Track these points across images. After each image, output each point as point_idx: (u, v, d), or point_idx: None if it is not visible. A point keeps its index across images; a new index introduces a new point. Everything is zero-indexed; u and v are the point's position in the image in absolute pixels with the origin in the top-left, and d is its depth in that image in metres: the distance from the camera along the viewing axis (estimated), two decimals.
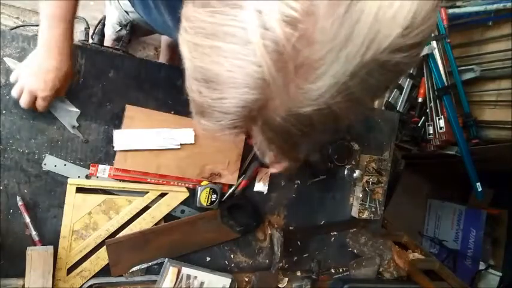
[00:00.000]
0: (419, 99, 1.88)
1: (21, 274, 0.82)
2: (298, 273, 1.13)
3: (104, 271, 0.93)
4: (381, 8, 0.27)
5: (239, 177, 1.02)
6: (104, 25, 1.04)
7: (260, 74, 0.28)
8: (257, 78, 0.29)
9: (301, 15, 0.27)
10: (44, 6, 0.69)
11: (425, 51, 1.76)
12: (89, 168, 0.90)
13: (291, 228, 1.12)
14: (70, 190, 0.88)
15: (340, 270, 1.18)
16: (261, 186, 1.05)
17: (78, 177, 0.89)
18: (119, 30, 1.18)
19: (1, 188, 0.84)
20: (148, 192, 0.94)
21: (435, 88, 1.79)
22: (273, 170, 0.92)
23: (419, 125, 1.89)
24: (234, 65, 0.29)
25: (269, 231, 1.08)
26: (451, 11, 1.81)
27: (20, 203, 0.85)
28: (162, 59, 1.56)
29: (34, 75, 0.73)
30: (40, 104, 0.77)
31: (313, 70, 0.28)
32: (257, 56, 0.28)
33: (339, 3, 0.26)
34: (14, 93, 0.76)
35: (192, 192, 0.99)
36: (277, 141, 0.34)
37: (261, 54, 0.28)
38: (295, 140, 0.34)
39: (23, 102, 0.76)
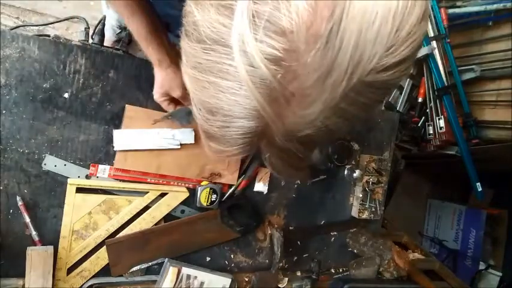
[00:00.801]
0: (419, 99, 1.88)
1: (21, 274, 0.82)
2: (298, 273, 1.13)
3: (104, 271, 0.93)
4: (361, 32, 0.27)
5: (239, 177, 1.02)
6: (104, 25, 1.04)
7: (254, 107, 0.31)
8: (252, 110, 0.31)
9: (282, 53, 0.28)
10: (131, 29, 0.73)
11: (425, 51, 1.76)
12: (89, 168, 0.90)
13: (291, 228, 1.12)
14: (70, 190, 0.88)
15: (340, 270, 1.18)
16: (261, 186, 1.05)
17: (78, 177, 0.89)
18: (119, 33, 1.18)
19: (1, 188, 0.84)
20: (148, 192, 0.94)
21: (435, 88, 1.80)
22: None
23: (419, 125, 1.89)
24: (230, 100, 0.31)
25: (269, 231, 1.08)
26: (451, 11, 1.81)
27: (20, 203, 0.85)
28: None
29: (167, 88, 0.79)
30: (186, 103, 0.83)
31: (303, 99, 0.30)
32: (248, 91, 0.30)
33: (318, 35, 0.27)
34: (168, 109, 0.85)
35: (192, 192, 0.99)
36: (282, 155, 0.37)
37: (250, 90, 0.29)
38: (298, 153, 0.36)
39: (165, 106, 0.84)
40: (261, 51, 0.28)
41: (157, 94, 0.81)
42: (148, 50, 0.74)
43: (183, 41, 0.35)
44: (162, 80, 0.78)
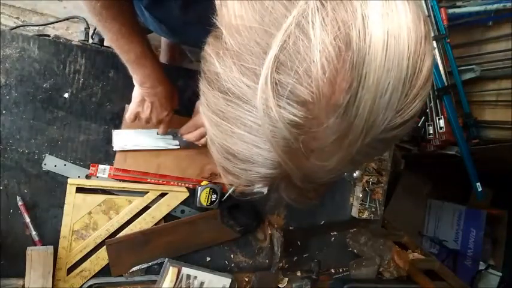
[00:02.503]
0: None
1: (21, 274, 0.82)
2: (298, 273, 1.12)
3: (104, 271, 0.93)
4: (375, 100, 0.30)
5: None
6: None
7: (276, 160, 0.33)
8: (273, 162, 0.33)
9: (303, 121, 0.30)
10: (120, 54, 0.71)
11: None
12: (89, 168, 0.90)
13: (291, 228, 1.12)
14: (70, 190, 0.88)
15: (340, 270, 1.18)
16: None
17: (78, 177, 0.89)
18: None
19: (1, 188, 0.84)
20: (148, 192, 0.94)
21: (435, 88, 1.79)
22: None
23: (419, 125, 1.88)
24: (253, 151, 0.34)
25: (269, 231, 1.08)
26: (451, 11, 1.81)
27: (20, 203, 0.85)
28: (163, 58, 1.55)
29: (152, 107, 0.80)
30: (163, 125, 0.87)
31: (321, 154, 0.32)
32: (270, 147, 0.32)
33: (337, 105, 0.29)
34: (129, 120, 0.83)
35: (192, 192, 0.99)
36: (299, 191, 0.39)
37: (273, 147, 0.32)
38: (314, 191, 0.40)
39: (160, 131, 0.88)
40: (284, 117, 0.30)
41: (168, 115, 0.83)
42: (151, 67, 0.72)
43: (202, 84, 0.37)
44: (166, 98, 0.79)
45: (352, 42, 0.28)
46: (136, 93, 0.79)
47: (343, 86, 0.29)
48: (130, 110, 0.81)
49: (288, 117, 0.30)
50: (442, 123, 1.77)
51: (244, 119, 0.32)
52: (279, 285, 1.08)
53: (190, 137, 0.88)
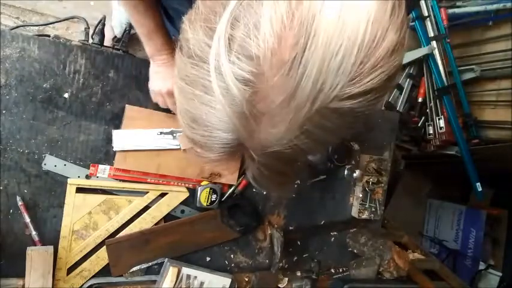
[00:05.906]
0: (419, 99, 1.88)
1: (21, 274, 0.82)
2: (298, 273, 1.12)
3: (104, 271, 0.93)
4: (324, 62, 0.28)
5: (239, 177, 1.02)
6: (104, 25, 1.04)
7: (229, 121, 0.33)
8: (228, 124, 0.33)
9: (251, 76, 0.30)
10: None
11: (425, 51, 1.76)
12: (89, 168, 0.90)
13: (291, 228, 1.12)
14: (70, 190, 0.88)
15: (340, 270, 1.18)
16: None
17: (78, 177, 0.89)
18: (126, 29, 1.18)
19: (1, 188, 0.84)
20: (148, 192, 0.94)
21: (435, 88, 1.80)
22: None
23: (419, 125, 1.89)
24: (210, 112, 0.33)
25: (269, 231, 1.08)
26: (451, 11, 1.81)
27: (20, 203, 0.85)
28: None
29: (153, 81, 0.83)
30: (168, 101, 0.85)
31: (270, 118, 0.32)
32: (221, 106, 0.32)
33: (282, 61, 0.29)
34: (154, 100, 0.88)
35: (192, 192, 0.99)
36: (262, 169, 0.38)
37: (222, 105, 0.32)
38: (276, 168, 0.38)
39: (160, 104, 0.88)
40: (233, 72, 0.30)
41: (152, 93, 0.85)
42: (161, 42, 0.76)
43: (177, 55, 0.37)
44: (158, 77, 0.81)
45: None
46: (151, 69, 0.82)
47: (289, 41, 0.28)
48: (150, 87, 0.85)
49: (237, 72, 0.30)
50: (442, 123, 1.77)
51: (203, 80, 0.33)
52: (279, 285, 1.08)
53: None
